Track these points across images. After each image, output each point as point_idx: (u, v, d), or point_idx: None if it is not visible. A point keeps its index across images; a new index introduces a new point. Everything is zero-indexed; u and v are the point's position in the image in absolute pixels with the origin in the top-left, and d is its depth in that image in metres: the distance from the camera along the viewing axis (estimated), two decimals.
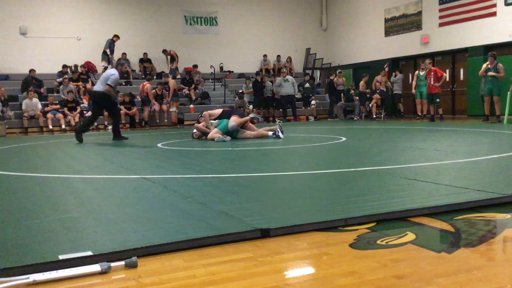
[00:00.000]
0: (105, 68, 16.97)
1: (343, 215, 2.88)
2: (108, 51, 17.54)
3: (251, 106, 17.20)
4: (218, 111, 9.93)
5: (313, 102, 17.91)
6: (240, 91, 17.78)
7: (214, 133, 9.26)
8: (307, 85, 18.05)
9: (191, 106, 16.97)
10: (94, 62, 18.42)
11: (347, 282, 1.97)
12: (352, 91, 17.57)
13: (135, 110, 16.06)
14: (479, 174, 4.45)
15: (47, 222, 3.00)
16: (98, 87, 10.23)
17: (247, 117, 9.88)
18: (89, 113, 15.52)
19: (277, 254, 2.34)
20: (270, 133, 9.42)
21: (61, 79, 16.58)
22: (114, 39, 17.65)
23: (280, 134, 9.28)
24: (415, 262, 2.17)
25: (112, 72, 10.24)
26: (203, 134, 9.62)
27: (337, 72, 18.44)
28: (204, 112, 9.87)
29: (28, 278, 2.05)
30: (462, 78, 16.36)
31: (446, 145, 7.24)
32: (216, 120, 9.58)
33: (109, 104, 10.37)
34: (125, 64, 10.97)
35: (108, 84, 9.94)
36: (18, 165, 6.43)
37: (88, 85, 17.00)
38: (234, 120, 9.26)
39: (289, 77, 17.24)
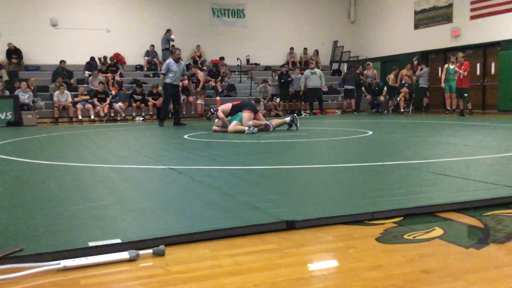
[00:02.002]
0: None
1: (370, 208, 2.87)
2: (166, 46, 17.97)
3: (278, 99, 17.16)
4: (228, 106, 9.79)
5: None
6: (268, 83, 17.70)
7: (235, 125, 9.26)
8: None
9: (218, 98, 17.01)
10: (122, 53, 18.62)
11: (373, 275, 1.96)
12: (374, 84, 17.03)
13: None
14: (509, 170, 4.36)
15: (77, 210, 3.06)
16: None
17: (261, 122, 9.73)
18: (120, 104, 15.76)
19: (303, 246, 2.35)
20: (288, 119, 9.50)
21: (90, 72, 16.83)
22: (169, 33, 17.99)
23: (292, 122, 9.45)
24: (443, 258, 2.15)
25: (166, 62, 12.05)
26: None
27: (366, 64, 18.18)
28: (218, 113, 9.68)
29: (59, 263, 2.10)
30: (493, 72, 16.00)
31: (476, 140, 7.11)
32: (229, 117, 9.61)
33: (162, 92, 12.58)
34: (177, 51, 12.20)
35: (161, 73, 12.11)
36: (49, 154, 6.56)
37: (117, 77, 17.22)
38: (249, 118, 9.32)
39: (317, 70, 17.08)
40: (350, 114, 17.08)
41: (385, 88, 16.88)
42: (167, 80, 11.75)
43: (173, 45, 17.50)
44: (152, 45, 18.57)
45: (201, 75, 16.76)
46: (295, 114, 9.83)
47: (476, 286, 1.83)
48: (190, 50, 19.36)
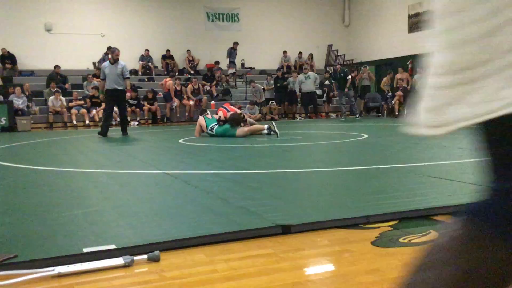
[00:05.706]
0: (233, 74, 18.39)
1: (365, 212, 2.86)
2: (229, 59, 18.51)
3: (274, 103, 17.17)
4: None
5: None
6: (262, 87, 17.72)
7: (246, 129, 9.27)
8: (327, 82, 17.79)
9: (212, 102, 17.02)
10: None
11: (369, 279, 1.96)
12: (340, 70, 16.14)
13: (157, 106, 16.18)
14: None
15: (71, 215, 3.05)
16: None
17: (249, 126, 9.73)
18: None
19: (298, 251, 2.34)
20: (266, 126, 9.42)
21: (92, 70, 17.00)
22: (234, 46, 18.50)
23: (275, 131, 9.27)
24: None
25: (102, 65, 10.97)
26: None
27: (363, 67, 18.13)
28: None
29: (53, 270, 2.08)
30: None
31: (470, 142, 7.12)
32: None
33: None
34: (115, 51, 10.38)
35: (100, 79, 10.78)
36: (43, 160, 6.53)
37: None
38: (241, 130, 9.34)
39: (311, 73, 17.06)
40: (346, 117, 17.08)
41: (349, 77, 15.73)
42: (106, 86, 10.39)
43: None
44: (147, 50, 18.57)
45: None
46: (272, 122, 9.80)
47: None
48: (184, 55, 19.37)
